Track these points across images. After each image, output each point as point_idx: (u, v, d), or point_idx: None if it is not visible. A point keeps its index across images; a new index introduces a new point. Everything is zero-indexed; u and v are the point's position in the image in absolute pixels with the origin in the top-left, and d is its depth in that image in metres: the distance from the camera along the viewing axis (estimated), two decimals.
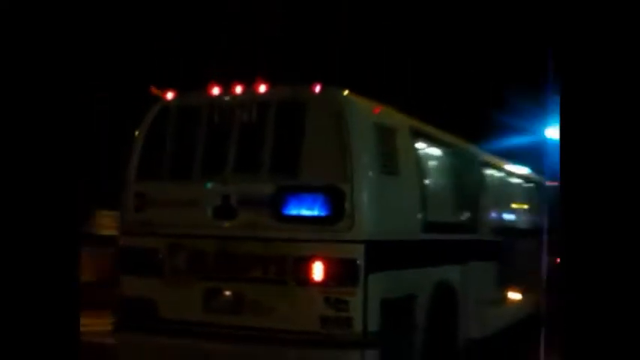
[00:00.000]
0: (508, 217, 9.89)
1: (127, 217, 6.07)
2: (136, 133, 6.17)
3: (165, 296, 5.77)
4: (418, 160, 6.41)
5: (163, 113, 6.07)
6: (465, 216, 7.64)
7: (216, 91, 5.88)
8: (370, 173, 5.48)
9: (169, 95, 6.10)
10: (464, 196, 7.51)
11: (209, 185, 5.70)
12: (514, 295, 9.31)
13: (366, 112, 5.85)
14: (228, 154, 5.68)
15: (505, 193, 9.70)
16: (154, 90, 6.06)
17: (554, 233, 12.14)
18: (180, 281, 5.69)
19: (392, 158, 5.85)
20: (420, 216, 6.23)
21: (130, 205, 6.01)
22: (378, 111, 5.99)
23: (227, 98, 5.85)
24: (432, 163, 6.92)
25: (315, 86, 5.56)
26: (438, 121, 7.30)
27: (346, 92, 5.65)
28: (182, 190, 5.83)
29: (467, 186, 7.67)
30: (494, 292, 8.46)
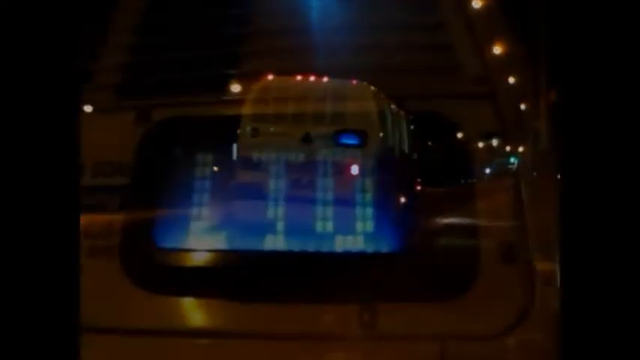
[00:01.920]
0: None
1: (245, 140, 11.59)
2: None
3: (268, 179, 11.43)
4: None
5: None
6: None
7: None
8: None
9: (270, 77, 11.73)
10: None
11: (298, 126, 11.45)
12: None
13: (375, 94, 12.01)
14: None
15: None
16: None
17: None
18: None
19: None
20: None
21: (248, 133, 11.57)
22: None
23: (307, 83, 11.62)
24: None
25: (353, 80, 11.59)
26: None
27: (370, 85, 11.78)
28: (281, 128, 11.52)
29: None
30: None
